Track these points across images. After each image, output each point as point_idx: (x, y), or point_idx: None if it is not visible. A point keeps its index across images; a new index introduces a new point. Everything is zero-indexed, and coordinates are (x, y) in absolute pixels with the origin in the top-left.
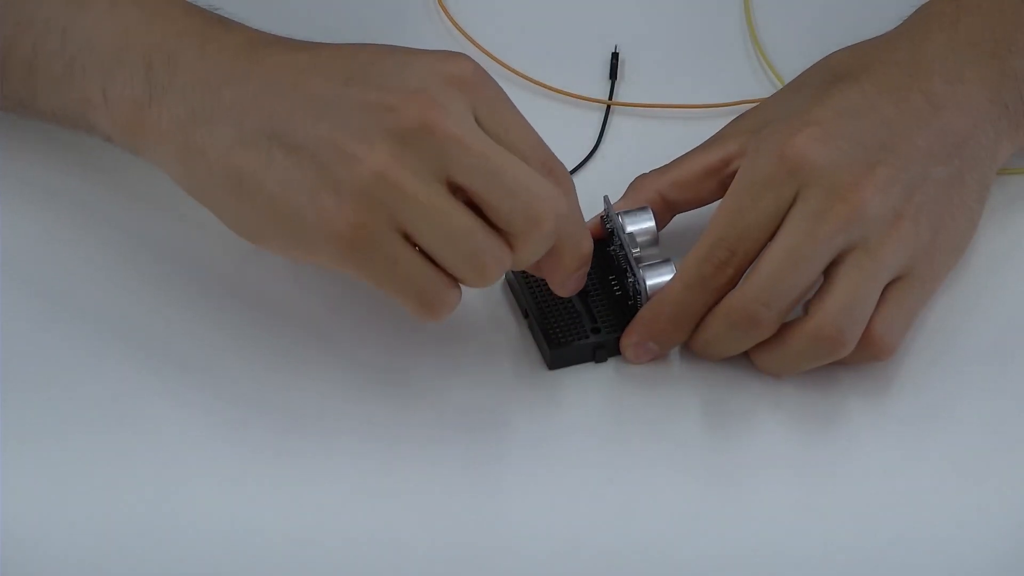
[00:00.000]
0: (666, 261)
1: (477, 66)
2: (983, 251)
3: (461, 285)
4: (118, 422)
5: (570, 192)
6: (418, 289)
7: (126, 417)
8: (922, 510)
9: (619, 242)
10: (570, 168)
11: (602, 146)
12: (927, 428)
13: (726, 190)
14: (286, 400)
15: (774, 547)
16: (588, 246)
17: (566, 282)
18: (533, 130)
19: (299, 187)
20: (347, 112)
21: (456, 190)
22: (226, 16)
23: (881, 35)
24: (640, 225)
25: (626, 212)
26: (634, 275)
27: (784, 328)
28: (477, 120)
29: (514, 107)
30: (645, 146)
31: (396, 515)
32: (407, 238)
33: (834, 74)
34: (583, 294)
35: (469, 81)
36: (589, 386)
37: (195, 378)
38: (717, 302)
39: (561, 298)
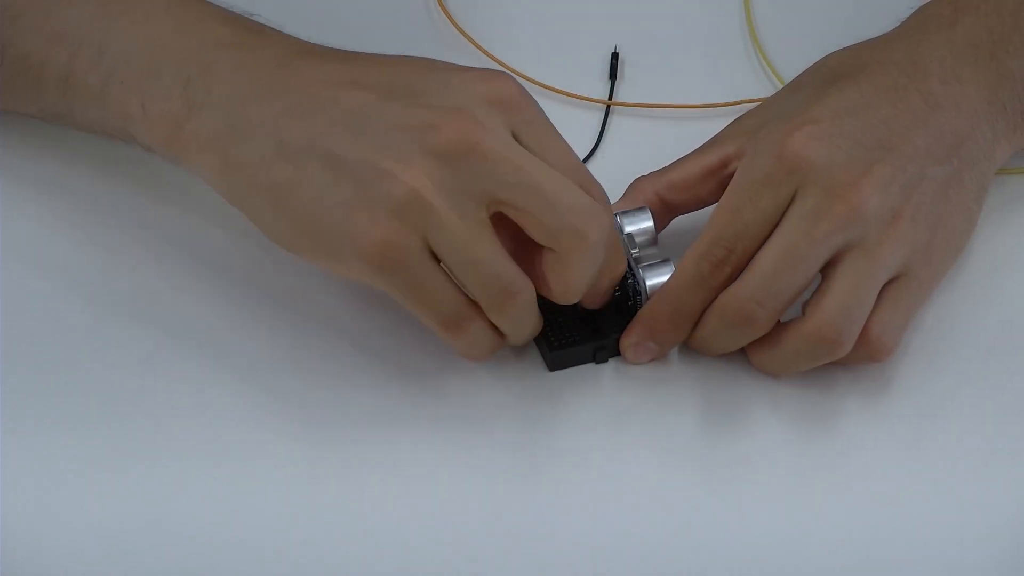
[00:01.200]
0: (665, 261)
1: (519, 86)
2: (981, 251)
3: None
4: (122, 418)
5: (609, 214)
6: (441, 312)
7: (130, 413)
8: (920, 509)
9: None
10: None
11: (602, 146)
12: (925, 427)
13: (724, 191)
14: (285, 399)
15: (773, 545)
16: (622, 268)
17: (594, 302)
18: (572, 151)
19: (334, 203)
20: (385, 129)
21: (499, 215)
22: (262, 22)
23: (879, 36)
24: (639, 225)
25: (624, 212)
26: (633, 276)
27: (781, 328)
28: (516, 139)
29: (553, 128)
30: (645, 146)
31: (395, 514)
32: (437, 259)
33: (832, 74)
34: None
35: (510, 101)
36: (589, 387)
37: (203, 373)
38: None
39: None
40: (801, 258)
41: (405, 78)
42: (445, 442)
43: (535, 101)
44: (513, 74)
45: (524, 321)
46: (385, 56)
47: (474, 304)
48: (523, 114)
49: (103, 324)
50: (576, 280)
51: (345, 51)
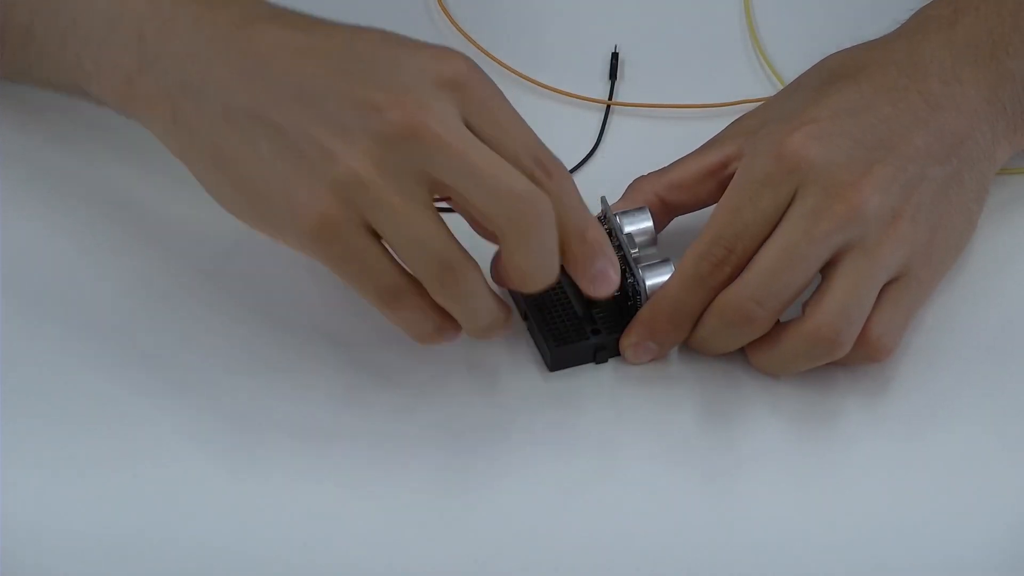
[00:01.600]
0: (665, 261)
1: (471, 64)
2: (981, 251)
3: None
4: (123, 418)
5: (567, 188)
6: (377, 285)
7: (130, 413)
8: (919, 510)
9: (617, 243)
10: (570, 168)
11: (602, 146)
12: (924, 428)
13: (724, 191)
14: (284, 401)
15: (772, 546)
16: (594, 234)
17: (588, 276)
18: (526, 128)
19: (275, 174)
20: (333, 106)
21: (443, 192)
22: None
23: (879, 37)
24: (638, 225)
25: (624, 212)
26: (633, 276)
27: (781, 328)
28: (467, 121)
29: (507, 105)
30: (645, 146)
31: (396, 516)
32: (377, 237)
33: (832, 75)
34: (582, 296)
35: (461, 81)
36: (589, 386)
37: (202, 374)
38: None
39: (561, 300)
40: (801, 257)
41: (360, 52)
42: (444, 442)
43: (489, 80)
44: (513, 74)
45: (470, 303)
46: (345, 26)
47: (415, 281)
48: (474, 93)
49: (104, 323)
50: (527, 266)
51: (307, 17)
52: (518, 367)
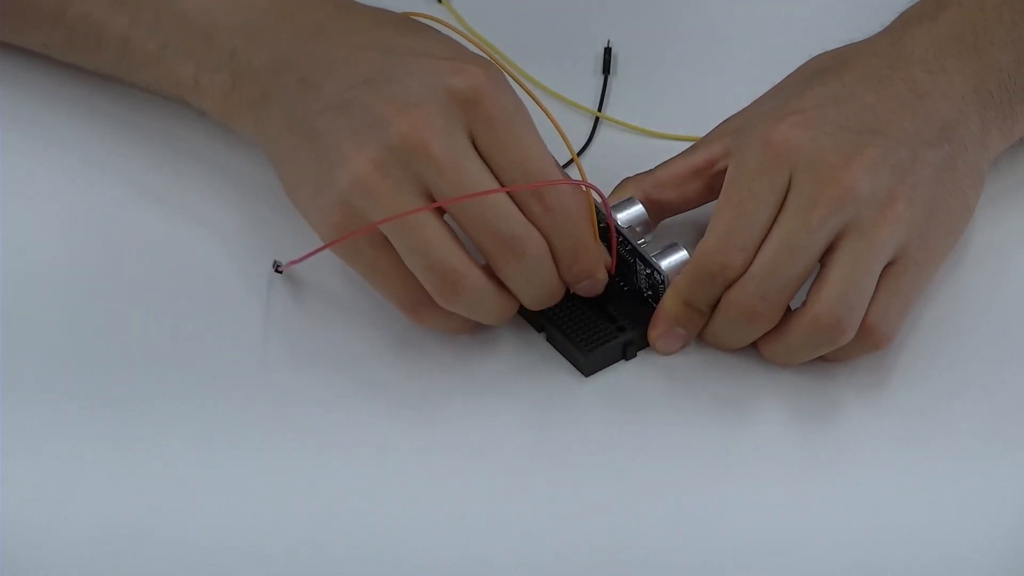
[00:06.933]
0: (674, 245)
1: (488, 78)
2: (980, 243)
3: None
4: (123, 417)
5: (561, 222)
6: (398, 295)
7: (131, 411)
8: (920, 504)
9: (620, 238)
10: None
11: (596, 141)
12: (925, 422)
13: (712, 191)
14: (286, 397)
15: (770, 539)
16: (589, 261)
17: (589, 291)
18: (535, 152)
19: (309, 180)
20: (355, 114)
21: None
22: None
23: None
24: (628, 212)
25: (614, 206)
26: (649, 266)
27: (786, 318)
28: (474, 139)
29: (517, 126)
30: (640, 144)
31: (396, 514)
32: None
33: (814, 71)
34: (594, 299)
35: (473, 97)
36: (585, 383)
37: (204, 371)
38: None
39: (575, 308)
40: (800, 249)
41: (392, 62)
42: (444, 441)
43: (506, 95)
44: (510, 67)
45: (474, 309)
46: (395, 25)
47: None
48: (485, 111)
49: (104, 321)
50: (520, 290)
51: (371, 15)
52: (517, 363)
